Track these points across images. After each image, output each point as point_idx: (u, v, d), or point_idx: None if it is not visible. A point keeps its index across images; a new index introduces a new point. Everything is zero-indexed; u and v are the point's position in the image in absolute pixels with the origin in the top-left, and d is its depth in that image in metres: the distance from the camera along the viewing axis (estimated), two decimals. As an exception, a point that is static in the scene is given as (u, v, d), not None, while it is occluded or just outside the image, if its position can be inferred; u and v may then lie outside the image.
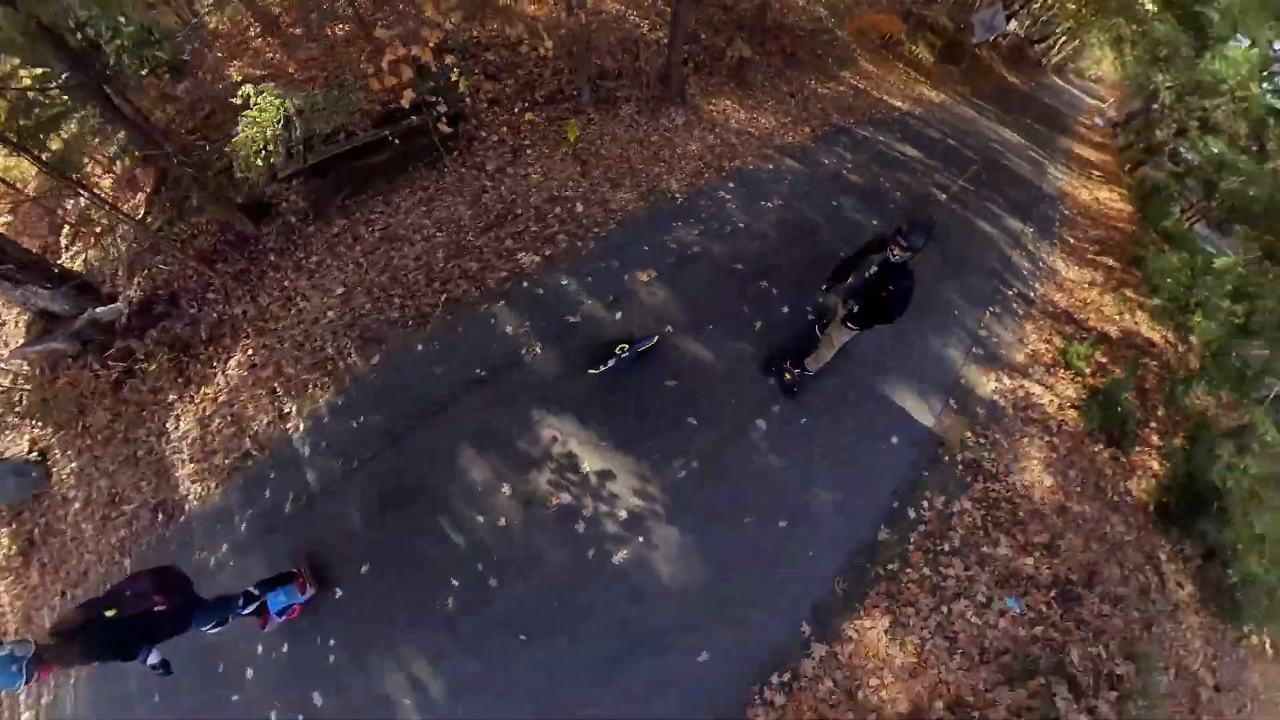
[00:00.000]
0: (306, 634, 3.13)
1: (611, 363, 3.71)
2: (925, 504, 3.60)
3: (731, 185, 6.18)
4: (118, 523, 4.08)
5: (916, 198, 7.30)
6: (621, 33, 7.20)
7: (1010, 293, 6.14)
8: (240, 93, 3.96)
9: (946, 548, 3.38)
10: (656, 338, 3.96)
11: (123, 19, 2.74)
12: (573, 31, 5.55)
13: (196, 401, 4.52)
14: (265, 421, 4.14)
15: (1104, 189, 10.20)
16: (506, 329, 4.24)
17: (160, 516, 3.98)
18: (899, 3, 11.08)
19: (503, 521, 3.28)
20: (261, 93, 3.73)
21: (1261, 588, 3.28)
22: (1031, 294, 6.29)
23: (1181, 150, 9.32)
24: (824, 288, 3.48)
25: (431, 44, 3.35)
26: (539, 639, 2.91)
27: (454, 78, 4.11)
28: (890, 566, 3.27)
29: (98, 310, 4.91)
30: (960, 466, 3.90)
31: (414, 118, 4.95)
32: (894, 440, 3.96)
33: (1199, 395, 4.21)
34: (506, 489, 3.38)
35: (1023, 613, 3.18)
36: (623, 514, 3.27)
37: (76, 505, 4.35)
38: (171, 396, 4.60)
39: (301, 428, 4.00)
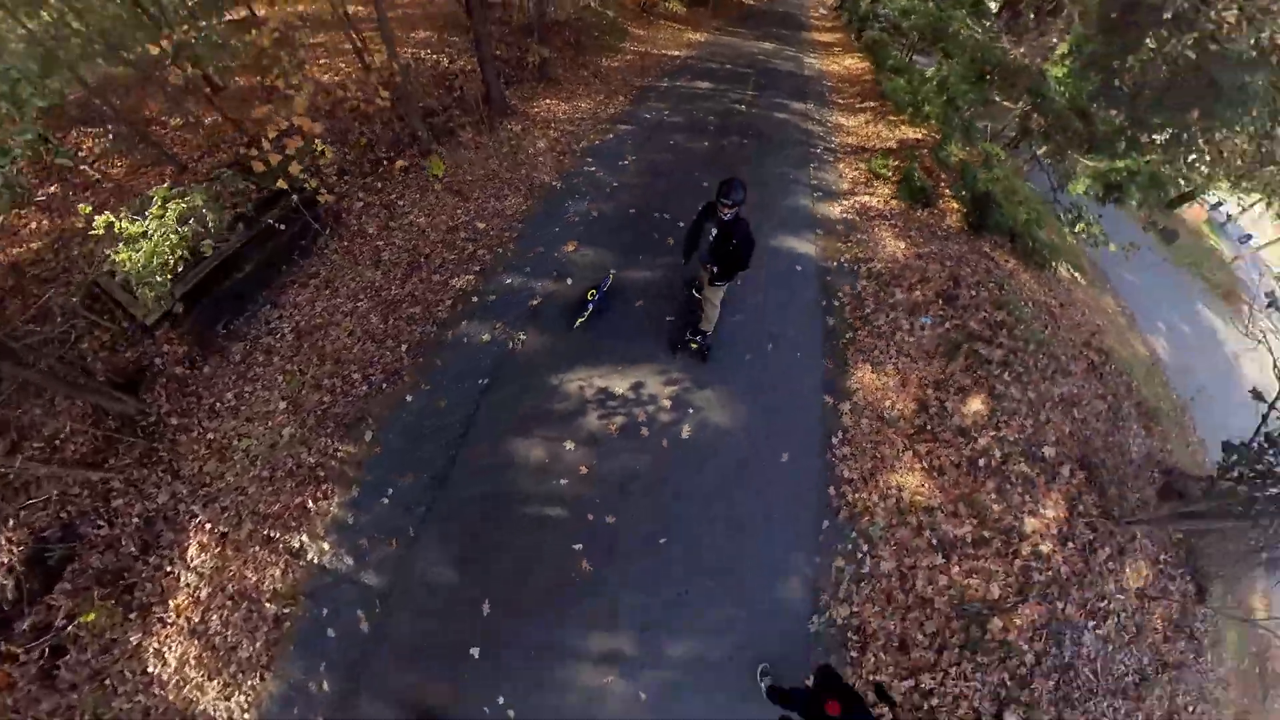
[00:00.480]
0: (471, 713, 2.89)
1: (590, 308, 4.41)
2: (840, 293, 4.90)
3: (590, 160, 7.11)
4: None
5: (723, 114, 8.87)
6: (427, 71, 7.69)
7: (818, 150, 7.93)
8: (97, 223, 3.55)
9: (868, 310, 4.68)
10: (611, 275, 4.74)
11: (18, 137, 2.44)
12: (389, 81, 5.95)
13: (171, 622, 3.65)
14: (278, 573, 3.65)
15: (847, 58, 12.94)
16: (483, 337, 4.67)
17: (207, 768, 3.08)
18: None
19: (584, 470, 3.65)
20: (148, 202, 3.54)
21: (1035, 228, 5.07)
22: (832, 145, 8.15)
23: (880, 12, 12.16)
24: (684, 261, 3.94)
25: (300, 112, 3.62)
26: (676, 529, 3.34)
27: (319, 148, 4.26)
28: (848, 336, 4.50)
29: None
30: (847, 262, 5.30)
31: (294, 197, 4.60)
32: (798, 269, 5.23)
33: (953, 152, 6.09)
34: (570, 444, 3.78)
35: (933, 321, 4.57)
36: (667, 403, 4.02)
37: None
38: (134, 637, 3.60)
39: (326, 547, 3.66)
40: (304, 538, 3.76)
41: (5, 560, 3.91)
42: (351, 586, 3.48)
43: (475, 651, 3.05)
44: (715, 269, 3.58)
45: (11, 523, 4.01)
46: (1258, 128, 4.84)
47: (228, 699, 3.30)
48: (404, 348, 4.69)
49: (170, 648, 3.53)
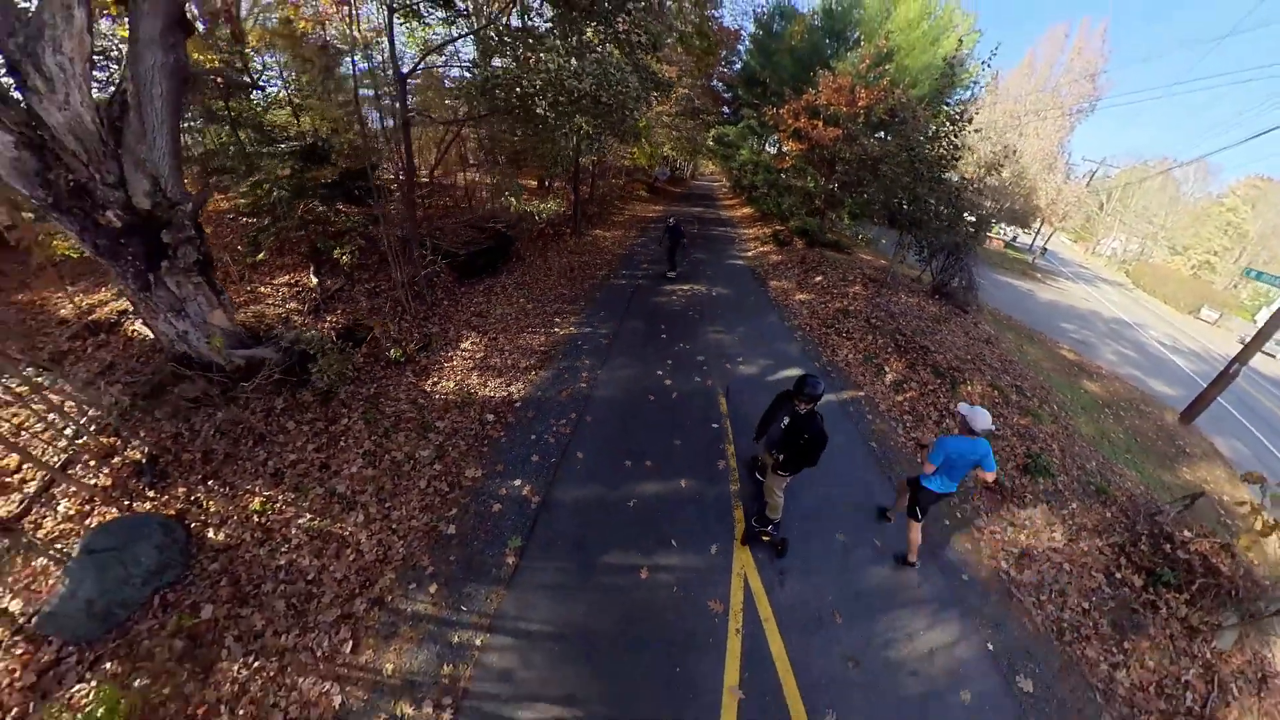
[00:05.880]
0: (668, 347, 9.13)
1: (673, 272, 11.46)
2: (758, 269, 12.43)
3: (634, 248, 14.84)
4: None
5: (688, 234, 17.51)
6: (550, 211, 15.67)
7: (735, 241, 16.44)
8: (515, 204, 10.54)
9: (771, 272, 12.10)
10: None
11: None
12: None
13: (449, 368, 6.30)
14: (541, 339, 7.14)
15: (741, 209, 23.46)
16: (622, 283, 11.13)
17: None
18: (629, 176, 23.74)
19: (682, 301, 10.07)
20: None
21: (829, 237, 13.23)
22: (744, 239, 16.76)
23: (756, 182, 22.89)
24: (755, 440, 4.17)
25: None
26: (715, 313, 9.87)
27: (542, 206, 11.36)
28: (765, 276, 11.72)
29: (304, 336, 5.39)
30: (758, 265, 12.98)
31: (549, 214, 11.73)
32: (739, 265, 12.73)
33: (792, 224, 14.51)
34: (673, 298, 10.20)
35: (795, 269, 11.97)
36: (703, 289, 10.75)
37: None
38: (408, 380, 5.81)
39: (573, 328, 8.09)
40: (555, 329, 7.99)
41: (328, 324, 6.62)
42: (593, 334, 7.90)
43: (664, 334, 8.47)
44: (782, 458, 3.63)
45: (340, 310, 7.04)
46: (885, 196, 13.40)
47: (508, 387, 5.94)
48: (586, 286, 10.86)
49: (449, 377, 6.01)
